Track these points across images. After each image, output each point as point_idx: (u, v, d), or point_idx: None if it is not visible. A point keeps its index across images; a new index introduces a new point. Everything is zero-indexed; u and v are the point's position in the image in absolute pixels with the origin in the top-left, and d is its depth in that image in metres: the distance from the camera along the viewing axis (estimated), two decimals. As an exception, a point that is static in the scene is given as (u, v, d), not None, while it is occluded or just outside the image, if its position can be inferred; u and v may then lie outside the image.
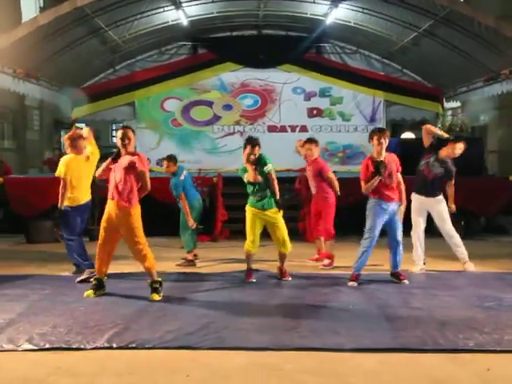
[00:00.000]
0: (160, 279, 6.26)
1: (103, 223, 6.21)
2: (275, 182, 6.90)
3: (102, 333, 4.91)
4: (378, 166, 6.69)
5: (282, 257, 7.17)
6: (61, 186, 7.06)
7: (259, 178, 6.81)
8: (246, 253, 7.05)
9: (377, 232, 6.82)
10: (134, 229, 6.10)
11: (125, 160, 6.09)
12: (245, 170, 6.92)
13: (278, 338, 4.80)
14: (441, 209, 7.53)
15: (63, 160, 7.15)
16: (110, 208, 6.14)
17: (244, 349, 4.60)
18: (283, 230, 7.03)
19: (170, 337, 4.84)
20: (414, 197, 7.61)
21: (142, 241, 6.14)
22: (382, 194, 6.78)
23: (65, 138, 7.41)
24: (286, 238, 7.04)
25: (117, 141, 6.21)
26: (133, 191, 6.10)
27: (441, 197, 7.58)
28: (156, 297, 6.14)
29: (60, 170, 7.08)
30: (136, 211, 6.14)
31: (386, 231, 6.95)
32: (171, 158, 8.26)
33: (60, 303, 5.95)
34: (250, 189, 6.98)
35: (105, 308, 5.80)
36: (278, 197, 6.91)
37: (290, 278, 7.14)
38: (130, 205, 6.08)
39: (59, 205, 7.08)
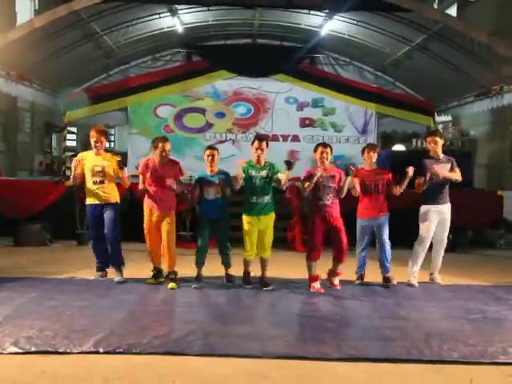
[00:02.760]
0: (176, 270, 7.11)
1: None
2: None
3: (88, 337, 4.89)
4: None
5: (265, 263, 7.23)
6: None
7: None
8: (245, 260, 7.19)
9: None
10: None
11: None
12: (249, 166, 7.08)
13: (265, 346, 4.81)
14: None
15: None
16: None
17: (231, 356, 4.60)
18: (270, 237, 7.18)
19: (158, 342, 4.83)
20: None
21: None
22: (364, 212, 7.45)
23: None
24: (270, 244, 7.18)
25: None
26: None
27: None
28: (173, 285, 6.92)
29: None
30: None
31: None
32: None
33: (47, 307, 5.92)
34: (252, 190, 7.05)
35: (92, 312, 5.77)
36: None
37: (271, 287, 7.12)
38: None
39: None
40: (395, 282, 7.41)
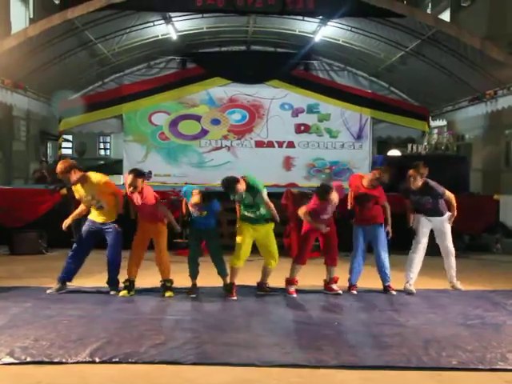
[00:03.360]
0: (171, 279, 7.08)
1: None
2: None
3: (84, 346, 4.87)
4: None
5: (269, 272, 7.23)
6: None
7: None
8: (232, 267, 7.04)
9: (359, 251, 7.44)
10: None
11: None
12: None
13: (262, 354, 4.79)
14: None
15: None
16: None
17: (228, 364, 4.58)
18: (275, 245, 7.16)
19: (154, 351, 4.81)
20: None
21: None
22: (359, 219, 7.39)
23: None
24: (276, 252, 7.15)
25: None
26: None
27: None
28: (170, 294, 6.97)
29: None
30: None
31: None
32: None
33: (42, 316, 5.89)
34: (245, 206, 6.99)
35: (88, 321, 5.75)
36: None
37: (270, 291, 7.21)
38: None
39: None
40: (394, 293, 7.31)
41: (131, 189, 6.84)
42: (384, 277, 7.41)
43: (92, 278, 7.61)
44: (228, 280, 7.14)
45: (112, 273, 7.20)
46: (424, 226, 7.50)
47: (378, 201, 7.40)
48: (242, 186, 6.76)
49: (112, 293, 7.09)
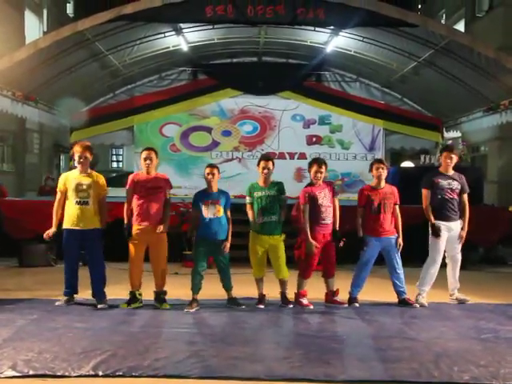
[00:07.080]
0: (165, 290, 6.91)
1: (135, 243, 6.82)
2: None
3: (88, 360, 4.78)
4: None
5: (283, 283, 7.16)
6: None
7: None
8: (255, 279, 7.14)
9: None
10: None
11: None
12: (254, 188, 7.12)
13: (268, 368, 4.67)
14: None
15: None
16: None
17: (234, 378, 4.47)
18: (283, 258, 7.10)
19: (158, 364, 4.71)
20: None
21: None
22: (373, 230, 7.18)
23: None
24: (284, 264, 7.09)
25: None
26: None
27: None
28: (166, 305, 6.80)
29: None
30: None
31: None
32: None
33: (48, 329, 5.81)
34: (258, 210, 7.04)
35: (94, 334, 5.65)
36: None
37: (291, 306, 7.07)
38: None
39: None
40: (417, 305, 7.13)
41: (147, 161, 6.82)
42: (400, 293, 7.22)
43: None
44: (233, 294, 7.10)
45: (99, 285, 6.97)
46: (443, 234, 7.30)
47: (393, 200, 7.21)
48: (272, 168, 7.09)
49: (99, 306, 6.83)
